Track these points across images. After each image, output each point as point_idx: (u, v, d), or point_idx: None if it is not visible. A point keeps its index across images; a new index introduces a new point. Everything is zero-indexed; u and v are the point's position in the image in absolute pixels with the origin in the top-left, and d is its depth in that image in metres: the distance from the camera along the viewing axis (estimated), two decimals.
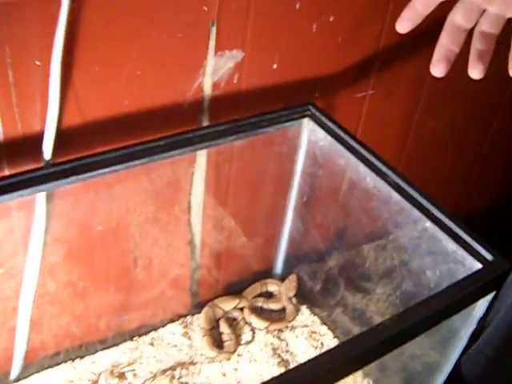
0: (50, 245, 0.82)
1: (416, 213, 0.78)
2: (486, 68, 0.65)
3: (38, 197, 0.76)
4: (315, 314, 1.06)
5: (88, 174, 0.74)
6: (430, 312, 0.65)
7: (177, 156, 0.81)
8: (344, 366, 0.60)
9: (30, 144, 0.74)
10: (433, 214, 0.76)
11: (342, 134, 0.86)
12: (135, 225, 0.88)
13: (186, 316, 1.04)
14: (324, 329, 1.04)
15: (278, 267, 1.10)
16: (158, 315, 1.02)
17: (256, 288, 1.08)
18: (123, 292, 0.96)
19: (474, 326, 0.77)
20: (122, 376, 0.94)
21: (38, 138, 0.73)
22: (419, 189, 0.78)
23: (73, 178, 0.73)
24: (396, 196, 0.80)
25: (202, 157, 0.88)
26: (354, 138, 0.85)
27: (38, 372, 0.93)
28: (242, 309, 1.05)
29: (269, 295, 1.09)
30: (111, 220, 0.85)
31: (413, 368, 0.92)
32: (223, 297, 1.06)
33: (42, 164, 0.74)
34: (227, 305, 1.04)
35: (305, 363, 0.57)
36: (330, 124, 0.88)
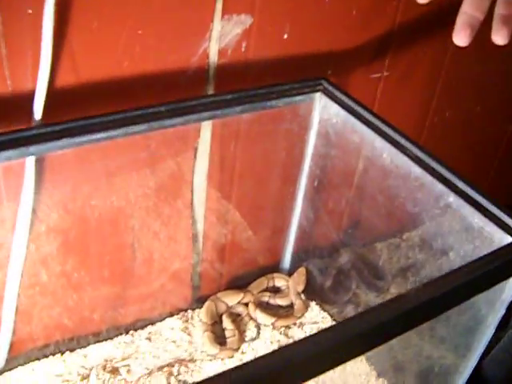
0: (39, 223, 0.76)
1: (441, 187, 0.71)
2: (510, 33, 0.60)
3: (27, 162, 0.70)
4: (325, 311, 0.99)
5: (81, 138, 0.68)
6: (448, 289, 0.57)
7: (179, 126, 0.75)
8: (344, 347, 0.51)
9: (21, 103, 0.68)
10: (459, 187, 0.70)
11: (358, 108, 0.80)
12: (132, 204, 0.82)
13: (186, 310, 0.97)
14: None
15: (286, 261, 1.03)
16: (156, 308, 0.94)
17: (262, 282, 1.01)
18: (118, 282, 0.89)
19: (503, 312, 0.70)
20: (115, 371, 0.87)
21: (30, 97, 0.68)
22: (443, 162, 0.72)
23: (64, 141, 0.68)
24: (418, 171, 0.73)
25: (206, 130, 0.82)
26: (371, 112, 0.79)
27: (24, 364, 0.85)
28: (246, 304, 0.97)
29: (276, 290, 1.02)
30: (105, 197, 0.79)
31: (431, 367, 0.85)
32: (227, 291, 0.99)
33: (33, 125, 0.69)
34: (231, 299, 0.97)
35: (299, 341, 0.49)
36: (344, 98, 0.82)
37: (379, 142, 0.78)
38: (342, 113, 0.82)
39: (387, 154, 0.78)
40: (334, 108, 0.84)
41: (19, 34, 0.64)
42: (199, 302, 0.97)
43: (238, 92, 0.78)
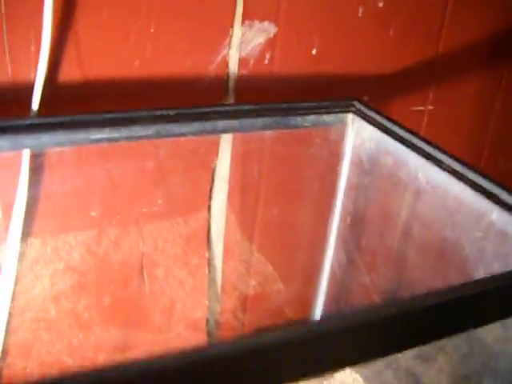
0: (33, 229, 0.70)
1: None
2: None
3: (22, 157, 0.65)
4: (357, 372, 0.85)
5: (78, 134, 0.63)
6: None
7: (191, 135, 0.69)
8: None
9: (21, 94, 0.64)
10: None
11: (399, 131, 0.71)
12: (136, 224, 0.75)
13: None
14: None
15: (317, 314, 0.91)
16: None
17: None
18: (118, 320, 0.80)
19: None
20: None
21: (31, 89, 0.64)
22: None
23: (60, 135, 0.62)
24: (482, 202, 0.62)
25: (225, 150, 0.76)
26: (415, 135, 0.70)
27: None
28: None
29: None
30: (106, 209, 0.72)
31: None
32: None
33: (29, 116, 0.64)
34: None
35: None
36: (381, 120, 0.73)
37: (428, 169, 0.67)
38: (380, 136, 0.74)
39: (439, 182, 0.67)
40: (370, 131, 0.75)
41: (22, 18, 0.62)
42: None
43: (258, 104, 0.72)
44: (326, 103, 0.76)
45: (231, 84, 0.73)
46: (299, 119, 0.74)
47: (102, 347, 0.81)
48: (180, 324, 0.84)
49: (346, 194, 0.82)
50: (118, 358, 0.82)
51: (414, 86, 0.85)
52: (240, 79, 0.73)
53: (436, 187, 0.68)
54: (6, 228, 0.66)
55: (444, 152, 0.66)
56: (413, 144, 0.69)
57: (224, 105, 0.73)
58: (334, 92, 0.80)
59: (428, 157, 0.67)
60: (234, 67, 0.73)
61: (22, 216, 0.66)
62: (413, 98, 0.86)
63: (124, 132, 0.65)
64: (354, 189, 0.81)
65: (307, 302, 0.91)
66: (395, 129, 0.71)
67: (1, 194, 0.65)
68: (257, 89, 0.75)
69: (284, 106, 0.73)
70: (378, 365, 0.84)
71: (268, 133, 0.75)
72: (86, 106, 0.67)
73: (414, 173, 0.70)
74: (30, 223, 0.67)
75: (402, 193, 0.75)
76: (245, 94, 0.75)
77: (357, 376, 0.84)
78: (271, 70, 0.75)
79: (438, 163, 0.66)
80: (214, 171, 0.77)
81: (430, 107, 0.87)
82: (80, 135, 0.63)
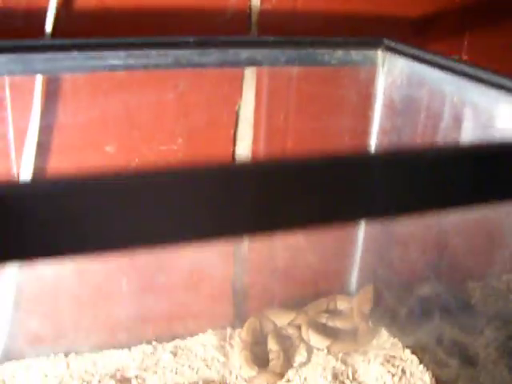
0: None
1: None
2: None
3: (36, 80, 0.62)
4: (396, 337, 0.77)
5: (93, 59, 0.60)
6: None
7: (212, 67, 0.66)
8: None
9: (34, 19, 0.62)
10: None
11: (438, 59, 0.65)
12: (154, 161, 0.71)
13: (225, 328, 0.80)
14: (407, 353, 0.75)
15: (352, 280, 0.84)
16: (187, 320, 0.78)
17: (321, 304, 0.82)
18: (143, 283, 0.76)
19: None
20: (124, 382, 0.70)
21: (45, 13, 0.62)
22: None
23: (74, 59, 0.60)
24: None
25: (249, 90, 0.71)
26: (458, 60, 0.64)
27: (20, 358, 0.71)
28: (299, 327, 0.79)
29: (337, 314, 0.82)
30: (121, 145, 0.68)
31: None
32: (277, 309, 0.81)
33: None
34: (281, 318, 0.79)
35: None
36: (414, 51, 0.68)
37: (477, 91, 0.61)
38: (416, 68, 0.68)
39: (488, 104, 0.60)
40: (403, 64, 0.70)
41: None
42: (242, 319, 0.80)
43: (283, 37, 0.68)
44: (354, 39, 0.72)
45: (254, 19, 0.70)
46: (326, 55, 0.70)
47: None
48: (201, 285, 0.79)
49: (378, 139, 0.77)
50: None
51: (446, 33, 0.80)
52: (262, 14, 0.70)
53: (485, 112, 0.62)
54: (19, 159, 0.64)
55: (493, 72, 0.60)
56: (457, 69, 0.63)
57: (246, 36, 0.70)
58: (360, 34, 0.76)
59: (477, 79, 0.61)
60: (256, 0, 0.70)
61: (35, 145, 0.63)
62: (446, 46, 0.81)
63: (141, 59, 0.63)
64: (386, 133, 0.76)
65: (341, 268, 0.84)
66: (434, 58, 0.66)
67: (13, 121, 0.63)
68: (280, 25, 0.72)
69: (309, 39, 0.70)
70: (419, 332, 0.77)
71: (293, 69, 0.71)
72: (102, 34, 0.64)
73: (463, 99, 0.64)
74: (43, 153, 0.64)
75: (446, 124, 0.69)
76: (267, 31, 0.71)
77: (395, 340, 0.77)
78: (295, 7, 0.71)
79: (487, 84, 0.60)
80: (237, 114, 0.73)
81: (465, 57, 0.82)
82: (95, 60, 0.61)
